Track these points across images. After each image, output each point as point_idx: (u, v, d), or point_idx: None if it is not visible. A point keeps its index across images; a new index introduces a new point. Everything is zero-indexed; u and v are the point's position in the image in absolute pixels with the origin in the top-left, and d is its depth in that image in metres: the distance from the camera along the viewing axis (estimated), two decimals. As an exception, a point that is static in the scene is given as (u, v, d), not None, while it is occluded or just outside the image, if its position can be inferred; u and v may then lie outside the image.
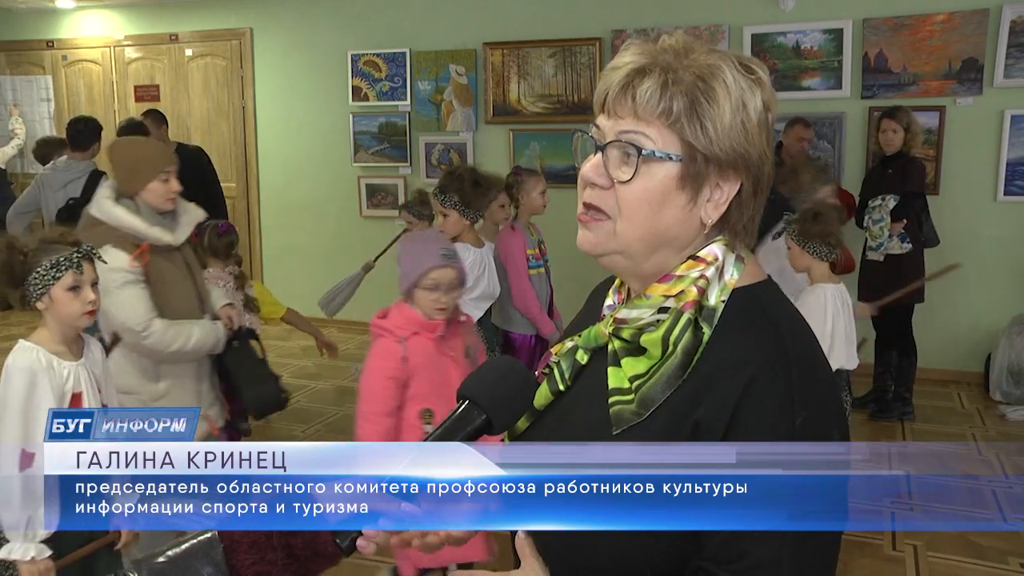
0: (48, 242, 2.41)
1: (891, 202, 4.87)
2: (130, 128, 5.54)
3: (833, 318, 3.34)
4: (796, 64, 5.77)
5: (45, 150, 6.12)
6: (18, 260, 2.37)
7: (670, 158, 1.00)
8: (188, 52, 7.79)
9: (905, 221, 4.91)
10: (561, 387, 1.11)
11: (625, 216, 1.03)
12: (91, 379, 2.48)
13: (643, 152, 1.00)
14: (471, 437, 1.02)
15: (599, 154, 1.04)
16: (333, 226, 7.42)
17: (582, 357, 1.11)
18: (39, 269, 2.38)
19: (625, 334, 1.04)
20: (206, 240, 3.86)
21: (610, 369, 1.05)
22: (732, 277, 1.03)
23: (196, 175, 5.76)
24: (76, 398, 2.47)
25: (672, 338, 1.00)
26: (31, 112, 8.43)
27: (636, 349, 1.03)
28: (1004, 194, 5.55)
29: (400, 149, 7.07)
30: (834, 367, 3.33)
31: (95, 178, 5.12)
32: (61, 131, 8.00)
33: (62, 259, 2.39)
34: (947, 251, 5.38)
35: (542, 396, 1.12)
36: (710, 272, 1.02)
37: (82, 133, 5.26)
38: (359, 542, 0.95)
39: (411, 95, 6.96)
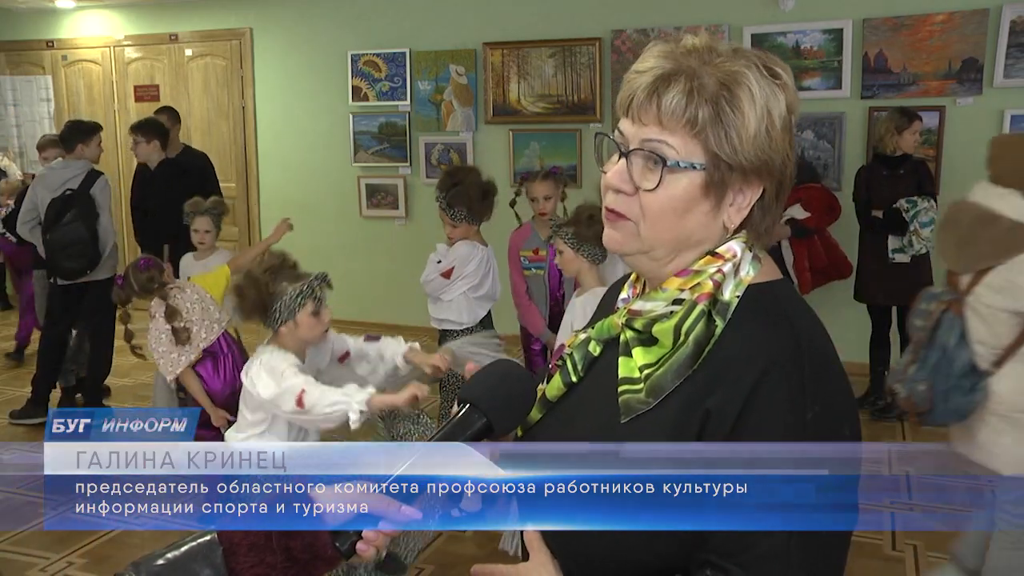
0: (278, 270, 2.71)
1: (934, 203, 4.85)
2: (152, 124, 5.54)
3: None
4: (796, 64, 5.76)
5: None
6: (265, 293, 2.65)
7: (694, 167, 1.00)
8: (188, 52, 7.78)
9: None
10: (573, 378, 1.12)
11: (649, 221, 1.03)
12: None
13: (669, 163, 1.00)
14: (472, 441, 1.02)
15: (622, 160, 1.04)
16: (333, 226, 7.42)
17: (595, 349, 1.12)
18: (285, 298, 2.65)
19: (638, 324, 1.05)
20: (133, 282, 3.86)
21: (621, 359, 1.05)
22: (748, 274, 1.04)
23: (206, 180, 5.77)
24: None
25: (684, 328, 1.01)
26: (31, 112, 8.42)
27: (648, 339, 1.04)
28: (1004, 194, 5.55)
29: (400, 149, 7.06)
30: None
31: (92, 176, 5.19)
32: (60, 132, 8.00)
33: (304, 288, 2.67)
34: (947, 251, 5.37)
35: (554, 388, 1.13)
36: (727, 268, 1.03)
37: (69, 133, 5.32)
38: (359, 546, 0.95)
39: (411, 95, 6.96)
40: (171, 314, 3.76)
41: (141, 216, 5.64)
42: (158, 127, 5.50)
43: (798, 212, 5.01)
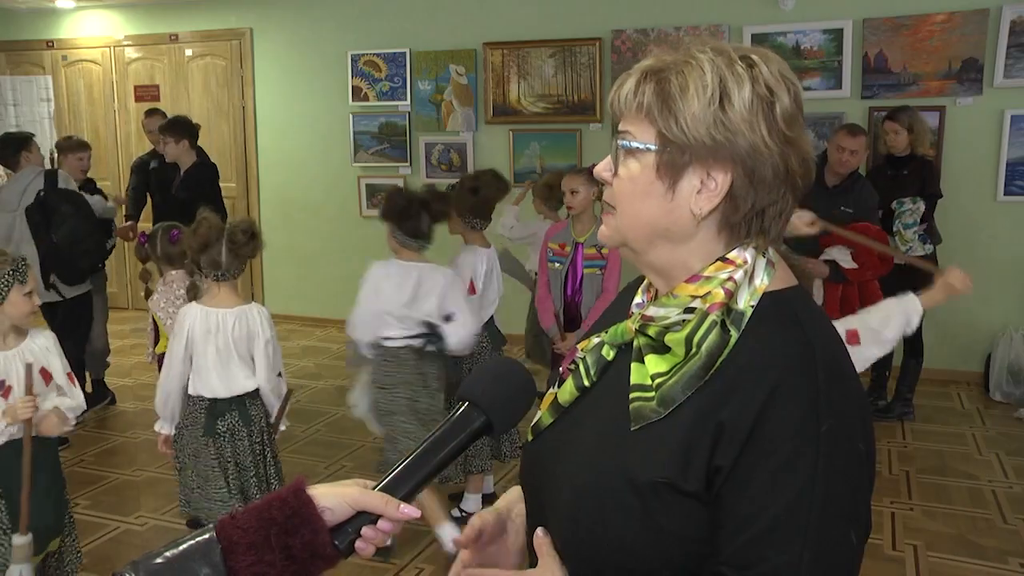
0: None
1: (922, 206, 4.80)
2: (181, 123, 5.52)
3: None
4: (796, 64, 5.76)
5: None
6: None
7: (648, 149, 1.02)
8: (188, 52, 7.79)
9: (926, 224, 4.87)
10: (586, 383, 1.11)
11: (618, 208, 1.06)
12: None
13: (622, 145, 1.04)
14: (471, 439, 1.01)
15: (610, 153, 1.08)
16: (333, 226, 7.42)
17: (608, 353, 1.11)
18: None
19: (651, 331, 1.04)
20: (158, 247, 3.92)
21: (633, 365, 1.05)
22: (762, 282, 1.03)
23: (208, 178, 5.78)
24: None
25: (696, 339, 1.00)
26: (31, 112, 8.42)
27: (660, 347, 1.03)
28: (1004, 194, 5.55)
29: (400, 149, 7.07)
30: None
31: (52, 174, 5.04)
32: (61, 132, 8.00)
33: None
34: (947, 251, 5.38)
35: (567, 392, 1.12)
36: (739, 275, 1.02)
37: (4, 147, 5.15)
38: (357, 544, 0.95)
39: (411, 95, 6.96)
40: (193, 291, 3.78)
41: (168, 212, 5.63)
42: (187, 126, 5.51)
43: (844, 259, 4.44)
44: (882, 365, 5.28)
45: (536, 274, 4.45)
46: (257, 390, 3.31)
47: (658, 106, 1.00)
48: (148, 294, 4.14)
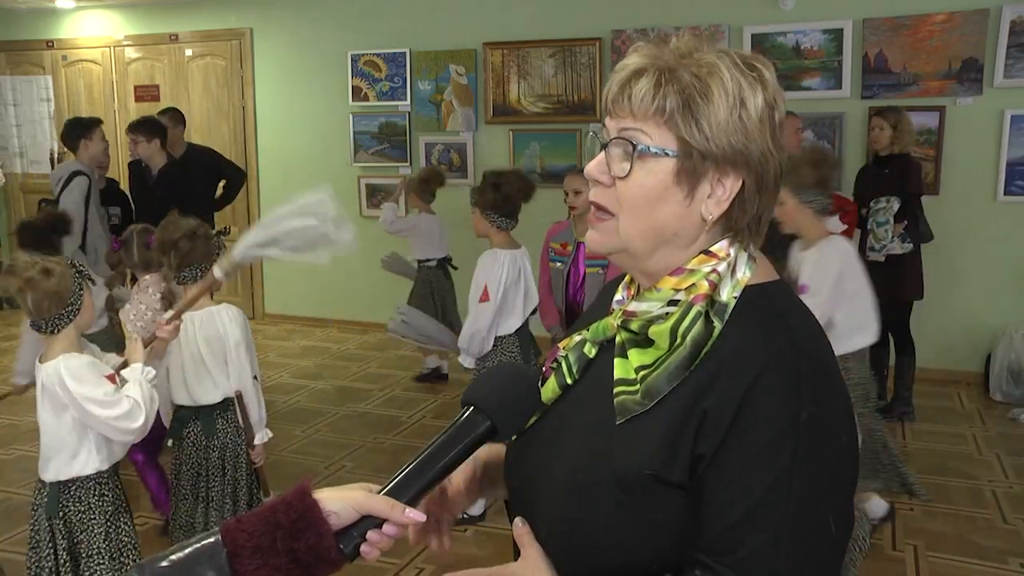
0: None
1: (895, 204, 4.85)
2: (151, 122, 5.50)
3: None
4: (796, 64, 5.77)
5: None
6: None
7: (666, 154, 1.00)
8: (188, 52, 7.78)
9: (906, 222, 4.91)
10: (569, 380, 1.11)
11: (625, 212, 1.04)
12: None
13: (639, 148, 1.01)
14: (476, 444, 1.01)
15: (603, 152, 1.05)
16: (333, 226, 7.41)
17: (590, 351, 1.11)
18: None
19: (633, 326, 1.05)
20: (135, 252, 3.88)
21: (616, 360, 1.05)
22: (744, 275, 1.03)
23: (210, 175, 5.76)
24: None
25: (681, 330, 1.00)
26: (31, 112, 8.42)
27: (644, 341, 1.03)
28: (1004, 194, 5.55)
29: (400, 149, 7.07)
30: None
31: (70, 180, 4.99)
32: (59, 131, 8.00)
33: None
34: (947, 251, 5.39)
35: (549, 390, 1.12)
36: (722, 267, 1.03)
37: (70, 130, 5.23)
38: (362, 548, 0.95)
39: (411, 95, 6.96)
40: (170, 296, 3.74)
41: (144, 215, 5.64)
42: (157, 126, 5.49)
43: (835, 224, 4.41)
44: (879, 364, 5.29)
45: (418, 263, 5.65)
46: (225, 401, 3.21)
47: (681, 112, 0.99)
48: (111, 304, 4.02)
